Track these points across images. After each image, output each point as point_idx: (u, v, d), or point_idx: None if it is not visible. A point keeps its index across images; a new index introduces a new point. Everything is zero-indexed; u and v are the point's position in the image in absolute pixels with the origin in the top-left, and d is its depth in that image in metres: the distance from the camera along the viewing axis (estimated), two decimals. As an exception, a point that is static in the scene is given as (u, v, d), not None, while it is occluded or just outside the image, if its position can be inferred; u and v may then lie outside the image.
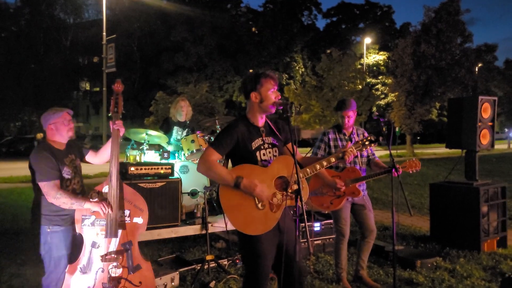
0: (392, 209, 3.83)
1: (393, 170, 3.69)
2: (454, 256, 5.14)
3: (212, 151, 2.72)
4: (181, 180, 4.72)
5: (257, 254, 2.71)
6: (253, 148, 2.79)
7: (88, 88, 44.42)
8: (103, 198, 3.14)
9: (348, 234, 4.26)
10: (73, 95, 41.54)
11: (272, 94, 2.79)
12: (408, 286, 4.27)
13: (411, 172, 3.99)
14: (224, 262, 4.74)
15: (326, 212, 4.27)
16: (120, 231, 3.19)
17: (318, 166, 2.91)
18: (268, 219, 2.72)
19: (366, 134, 4.25)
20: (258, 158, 2.80)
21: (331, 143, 4.21)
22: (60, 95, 35.23)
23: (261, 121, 2.87)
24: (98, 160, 3.44)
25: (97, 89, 38.74)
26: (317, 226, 5.27)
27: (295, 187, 2.66)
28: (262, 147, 2.83)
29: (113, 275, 3.12)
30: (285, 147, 2.98)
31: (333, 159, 2.94)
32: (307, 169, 2.89)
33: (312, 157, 3.13)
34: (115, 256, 3.13)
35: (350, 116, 4.15)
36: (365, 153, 4.26)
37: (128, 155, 5.00)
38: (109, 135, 3.36)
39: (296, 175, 2.58)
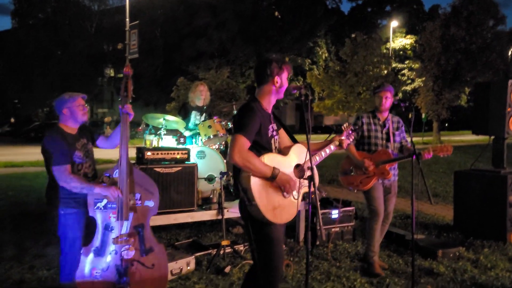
0: (411, 197, 3.72)
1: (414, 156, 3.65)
2: (478, 246, 4.98)
3: (244, 139, 2.52)
4: (197, 165, 4.69)
5: (276, 239, 2.68)
6: (269, 135, 2.73)
7: (112, 74, 44.96)
8: (113, 182, 3.15)
9: (382, 214, 4.22)
10: (98, 81, 42.22)
11: (287, 81, 2.79)
12: (428, 276, 4.15)
13: (442, 156, 3.96)
14: (240, 247, 4.72)
15: (355, 191, 4.30)
16: (131, 214, 3.20)
17: (323, 154, 2.98)
18: (292, 206, 2.72)
19: (401, 122, 4.28)
20: (273, 146, 2.76)
21: (364, 127, 4.24)
22: (85, 81, 35.93)
23: (271, 107, 2.81)
24: (109, 144, 3.46)
25: (121, 75, 39.17)
26: (335, 213, 5.18)
27: (309, 173, 2.64)
28: (273, 134, 2.78)
29: (125, 257, 3.15)
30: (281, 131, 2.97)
31: (332, 147, 3.05)
32: (316, 157, 2.94)
33: (312, 143, 3.06)
34: (127, 238, 3.16)
35: (388, 97, 4.16)
36: (398, 139, 4.27)
37: (145, 140, 5.01)
38: (132, 121, 3.38)
39: (310, 161, 2.59)
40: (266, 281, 2.65)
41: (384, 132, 4.21)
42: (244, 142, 2.52)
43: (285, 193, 2.63)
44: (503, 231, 5.12)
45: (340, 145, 3.06)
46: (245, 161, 2.49)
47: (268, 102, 2.76)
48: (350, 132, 3.16)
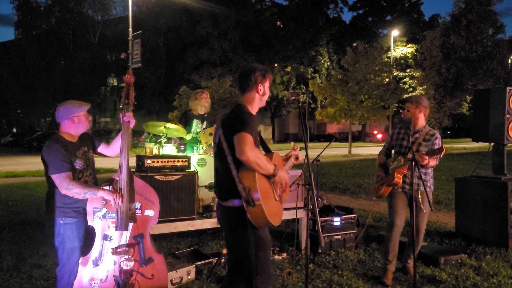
0: (412, 203, 3.71)
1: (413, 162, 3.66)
2: (480, 253, 4.94)
3: (251, 137, 2.55)
4: (197, 173, 4.68)
5: (269, 242, 2.76)
6: (258, 139, 2.76)
7: (115, 84, 45.15)
8: (115, 189, 3.12)
9: (398, 225, 4.17)
10: (101, 91, 42.37)
11: (269, 89, 2.90)
12: (431, 283, 4.12)
13: (435, 158, 3.92)
14: (241, 256, 4.69)
15: (374, 198, 4.36)
16: (131, 224, 3.17)
17: (286, 168, 3.05)
18: (281, 209, 2.83)
19: (435, 136, 4.14)
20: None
21: (394, 137, 4.38)
22: (88, 91, 36.11)
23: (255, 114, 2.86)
24: (110, 152, 3.42)
25: (124, 84, 39.22)
26: (337, 221, 5.16)
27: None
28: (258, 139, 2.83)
29: (124, 268, 3.11)
30: None
31: (293, 159, 3.11)
32: (286, 167, 3.07)
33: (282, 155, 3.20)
34: (127, 249, 3.12)
35: (409, 110, 4.17)
36: (423, 149, 4.11)
37: (145, 147, 5.01)
38: (134, 130, 3.38)
39: (308, 166, 2.64)
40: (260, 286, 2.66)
41: (411, 141, 4.18)
42: (252, 140, 2.54)
43: (276, 196, 2.71)
44: (505, 237, 5.09)
45: (297, 159, 3.14)
46: (256, 158, 2.50)
47: (252, 109, 2.81)
48: (299, 150, 3.18)
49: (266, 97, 2.86)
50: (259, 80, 2.78)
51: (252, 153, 2.48)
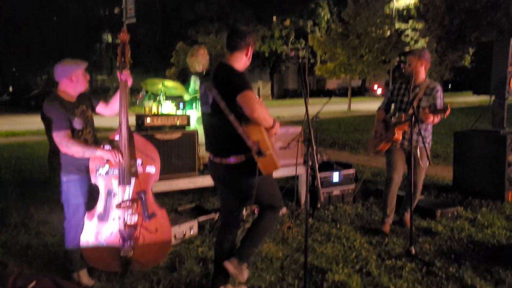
0: (411, 157, 3.74)
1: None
2: (476, 205, 5.05)
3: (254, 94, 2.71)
4: (197, 131, 4.69)
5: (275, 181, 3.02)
6: None
7: (110, 40, 44.28)
8: (115, 147, 3.18)
9: (395, 181, 4.25)
10: (96, 48, 41.65)
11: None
12: (427, 235, 4.23)
13: (439, 117, 3.88)
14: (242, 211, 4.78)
15: (372, 154, 4.46)
16: (133, 180, 3.25)
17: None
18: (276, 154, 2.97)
19: (436, 89, 4.10)
20: None
21: (394, 92, 4.34)
22: (83, 48, 35.48)
23: None
24: (109, 111, 3.44)
25: (119, 41, 38.44)
26: (336, 176, 5.23)
27: None
28: None
29: (129, 222, 3.22)
30: None
31: None
32: None
33: None
34: (130, 203, 3.21)
35: (411, 63, 4.12)
36: (424, 104, 4.08)
37: (144, 106, 4.98)
38: (132, 88, 3.40)
39: (308, 125, 2.71)
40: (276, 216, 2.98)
41: (411, 96, 4.13)
42: (255, 96, 2.68)
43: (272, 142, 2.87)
44: (501, 190, 5.19)
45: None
46: (264, 113, 2.65)
47: (238, 69, 2.86)
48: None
49: (248, 62, 2.93)
50: (251, 44, 2.87)
51: (260, 110, 2.62)
